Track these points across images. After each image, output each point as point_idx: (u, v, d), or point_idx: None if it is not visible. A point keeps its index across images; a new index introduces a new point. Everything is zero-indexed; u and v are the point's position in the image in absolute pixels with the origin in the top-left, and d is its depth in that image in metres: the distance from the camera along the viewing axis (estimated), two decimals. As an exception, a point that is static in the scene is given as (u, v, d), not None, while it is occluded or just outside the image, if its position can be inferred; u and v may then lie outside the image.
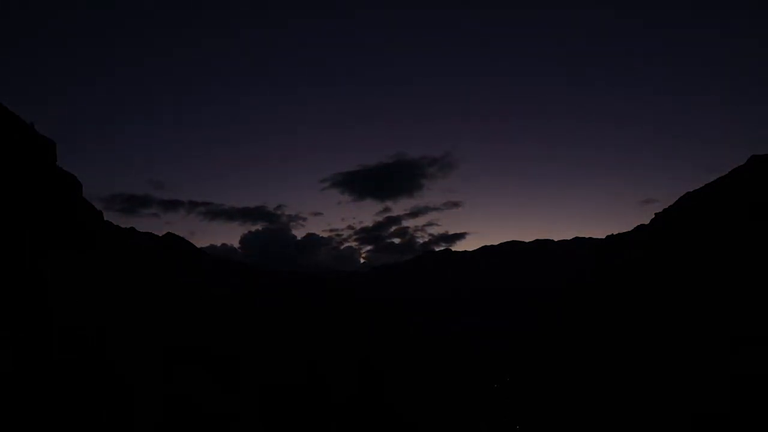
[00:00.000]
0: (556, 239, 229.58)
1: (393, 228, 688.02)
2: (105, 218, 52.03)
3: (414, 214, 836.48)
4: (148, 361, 44.07)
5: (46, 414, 28.79)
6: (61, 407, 30.10)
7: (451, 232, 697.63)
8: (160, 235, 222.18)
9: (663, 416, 61.00)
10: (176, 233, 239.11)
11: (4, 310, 28.18)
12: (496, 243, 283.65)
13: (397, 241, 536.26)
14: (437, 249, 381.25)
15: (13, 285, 29.08)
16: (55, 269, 32.37)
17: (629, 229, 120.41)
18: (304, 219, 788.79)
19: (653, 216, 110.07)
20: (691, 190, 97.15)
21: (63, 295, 32.95)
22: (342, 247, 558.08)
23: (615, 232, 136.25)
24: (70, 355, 32.57)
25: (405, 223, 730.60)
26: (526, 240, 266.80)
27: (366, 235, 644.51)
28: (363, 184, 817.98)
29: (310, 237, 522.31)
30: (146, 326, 47.57)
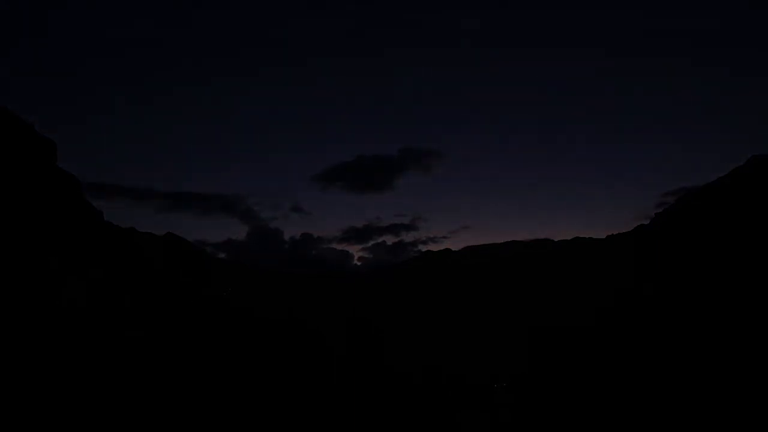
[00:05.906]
0: (556, 239, 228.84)
1: (383, 226, 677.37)
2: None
3: (406, 212, 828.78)
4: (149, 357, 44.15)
5: (51, 408, 28.85)
6: (66, 402, 30.16)
7: (448, 231, 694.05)
8: (161, 234, 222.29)
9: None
10: (156, 228, 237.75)
11: (5, 305, 28.23)
12: (494, 243, 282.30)
13: (389, 241, 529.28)
14: (434, 249, 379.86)
15: (14, 282, 29.14)
16: (58, 268, 32.45)
17: (629, 229, 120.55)
18: (288, 217, 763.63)
19: (653, 216, 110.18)
20: (691, 189, 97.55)
21: (64, 294, 33.01)
22: (333, 246, 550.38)
23: (615, 232, 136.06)
24: (73, 354, 32.63)
25: (396, 221, 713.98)
26: (526, 240, 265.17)
27: (355, 234, 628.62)
28: (347, 180, 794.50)
29: (303, 236, 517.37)
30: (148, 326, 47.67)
